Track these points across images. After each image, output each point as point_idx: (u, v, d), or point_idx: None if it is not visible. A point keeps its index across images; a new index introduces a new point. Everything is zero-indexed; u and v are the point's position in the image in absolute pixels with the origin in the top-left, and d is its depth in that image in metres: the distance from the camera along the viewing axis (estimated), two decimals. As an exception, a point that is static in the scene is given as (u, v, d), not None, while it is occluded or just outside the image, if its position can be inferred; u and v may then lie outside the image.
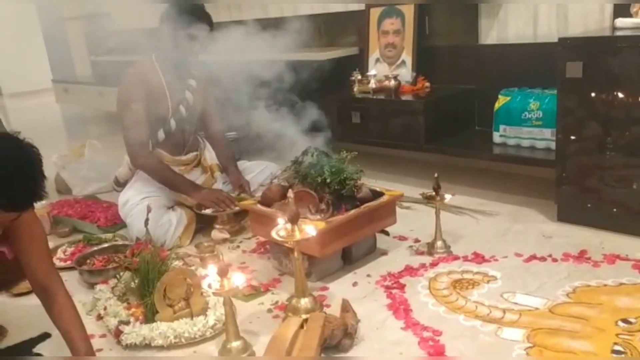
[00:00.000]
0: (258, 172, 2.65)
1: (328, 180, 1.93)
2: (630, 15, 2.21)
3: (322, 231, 1.81)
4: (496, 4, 2.80)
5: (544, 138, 2.48)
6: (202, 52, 2.46)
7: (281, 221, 1.70)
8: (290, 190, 1.78)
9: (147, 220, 1.86)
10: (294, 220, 1.64)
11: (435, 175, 2.10)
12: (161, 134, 2.46)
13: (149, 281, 1.66)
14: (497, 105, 2.62)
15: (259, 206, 2.05)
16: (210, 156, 2.64)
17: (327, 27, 3.65)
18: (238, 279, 1.48)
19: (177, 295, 1.69)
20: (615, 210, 2.11)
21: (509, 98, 2.58)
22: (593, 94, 2.04)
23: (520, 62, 2.75)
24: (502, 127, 2.62)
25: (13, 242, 1.52)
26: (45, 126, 6.22)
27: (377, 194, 2.07)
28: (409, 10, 3.10)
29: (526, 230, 2.25)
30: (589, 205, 2.18)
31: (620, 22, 2.19)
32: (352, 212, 1.92)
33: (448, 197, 2.07)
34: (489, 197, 2.65)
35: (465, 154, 2.72)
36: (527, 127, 2.52)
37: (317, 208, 1.92)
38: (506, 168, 2.83)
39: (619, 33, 2.16)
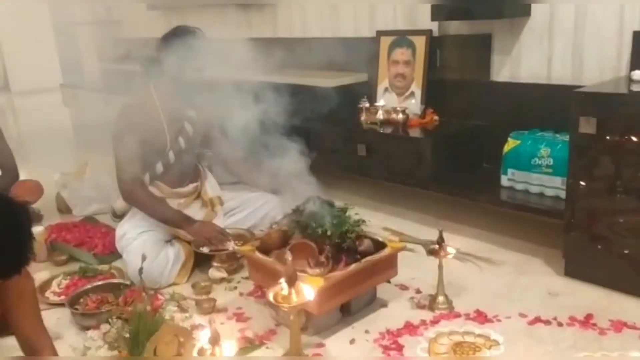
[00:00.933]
0: (258, 206, 2.61)
1: (329, 233, 1.88)
2: (647, 68, 2.14)
3: (320, 289, 1.76)
4: (509, 42, 2.74)
5: (553, 186, 2.41)
6: (202, 79, 2.41)
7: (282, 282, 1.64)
8: (288, 251, 1.73)
9: (141, 269, 1.81)
10: (291, 282, 1.58)
11: (440, 229, 2.03)
12: (159, 167, 2.42)
13: (140, 342, 1.61)
14: (506, 148, 2.56)
15: (257, 254, 2.00)
16: (211, 189, 2.59)
17: (337, 52, 3.58)
18: (229, 349, 1.43)
19: (168, 353, 1.64)
20: (624, 270, 2.04)
21: (519, 142, 2.52)
22: (606, 150, 1.98)
23: (533, 102, 2.68)
24: (510, 171, 2.55)
25: (0, 298, 1.47)
26: (52, 128, 6.20)
27: (378, 245, 2.02)
28: (420, 42, 3.03)
29: (532, 285, 2.19)
30: (597, 262, 2.11)
31: (637, 75, 2.12)
32: (352, 267, 1.87)
33: (452, 252, 2.01)
34: (496, 241, 2.58)
35: (471, 197, 2.65)
36: (536, 173, 2.46)
37: (317, 261, 1.86)
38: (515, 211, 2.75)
39: (634, 87, 2.10)
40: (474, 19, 2.70)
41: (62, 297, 2.24)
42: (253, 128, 2.50)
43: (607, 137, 1.95)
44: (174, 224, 2.37)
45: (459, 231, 2.72)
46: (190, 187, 2.54)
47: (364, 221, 2.04)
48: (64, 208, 3.28)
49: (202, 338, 1.48)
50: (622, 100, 1.93)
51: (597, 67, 2.48)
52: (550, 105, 2.57)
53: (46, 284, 2.35)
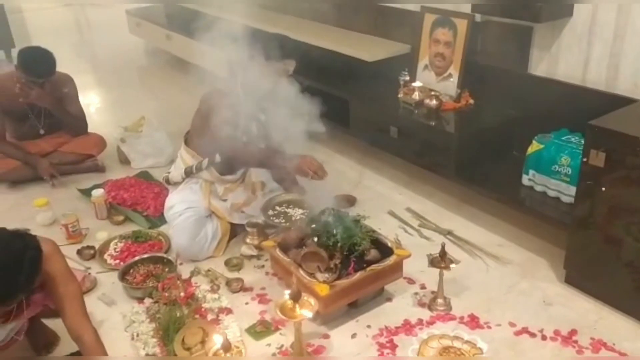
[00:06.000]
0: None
1: (339, 244, 2.11)
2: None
3: (327, 294, 2.02)
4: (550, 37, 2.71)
5: (569, 194, 2.49)
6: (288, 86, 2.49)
7: (286, 292, 1.91)
8: (294, 279, 1.96)
9: (175, 267, 2.11)
10: (295, 299, 1.85)
11: (442, 243, 2.21)
12: (218, 157, 2.62)
13: (170, 335, 1.96)
14: (530, 150, 2.63)
15: (278, 250, 2.26)
16: (255, 174, 2.79)
17: (383, 19, 3.60)
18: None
19: (194, 341, 1.98)
20: (617, 288, 2.17)
21: (542, 146, 2.58)
22: (612, 183, 2.05)
23: (566, 101, 2.70)
24: (531, 171, 2.64)
25: (52, 298, 1.81)
26: (123, 45, 6.54)
27: (386, 250, 2.23)
28: (462, 25, 3.02)
29: (530, 291, 2.36)
30: (594, 276, 2.25)
31: (661, 104, 2.12)
32: (357, 275, 2.10)
33: (452, 266, 2.19)
34: (510, 234, 2.73)
35: (491, 193, 2.76)
36: (555, 179, 2.54)
37: (327, 267, 2.11)
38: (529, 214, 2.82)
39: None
40: (512, 18, 2.67)
41: (117, 261, 2.62)
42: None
43: (614, 174, 2.02)
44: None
45: (478, 219, 2.88)
46: (238, 174, 2.74)
47: (374, 231, 2.24)
48: (123, 159, 3.64)
49: (217, 342, 1.79)
50: (632, 142, 1.96)
51: (631, 79, 2.45)
52: (581, 107, 2.56)
53: (105, 246, 2.73)
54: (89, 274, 2.51)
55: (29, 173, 3.31)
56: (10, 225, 1.71)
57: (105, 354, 1.84)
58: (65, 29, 8.38)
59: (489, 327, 2.17)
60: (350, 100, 3.38)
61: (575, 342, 2.08)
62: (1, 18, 5.82)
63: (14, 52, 3.40)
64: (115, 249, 2.71)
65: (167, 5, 5.88)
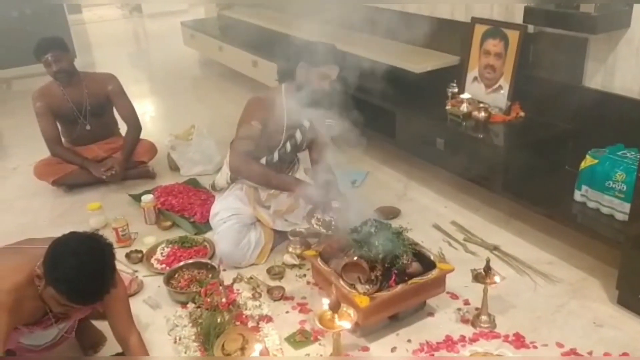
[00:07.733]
0: None
1: (381, 256, 2.09)
2: None
3: (367, 306, 2.00)
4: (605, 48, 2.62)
5: (624, 212, 2.39)
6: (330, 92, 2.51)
7: (325, 301, 1.91)
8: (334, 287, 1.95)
9: (218, 272, 2.15)
10: (334, 309, 1.84)
11: (487, 258, 2.16)
12: (262, 162, 2.63)
13: (210, 339, 1.98)
14: (583, 165, 2.54)
15: (319, 260, 2.26)
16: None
17: (432, 31, 3.57)
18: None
19: (234, 347, 2.00)
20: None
21: (596, 161, 2.48)
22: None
23: (622, 116, 2.59)
24: (584, 187, 2.55)
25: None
26: (178, 56, 6.74)
27: (429, 264, 2.19)
28: (513, 36, 2.96)
29: (580, 312, 2.26)
30: (650, 299, 2.15)
31: None
32: (398, 288, 2.08)
33: (497, 280, 2.14)
34: (561, 252, 2.63)
35: (541, 210, 2.67)
36: (609, 195, 2.44)
37: (367, 278, 2.09)
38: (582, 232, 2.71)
39: None
40: (566, 29, 2.60)
41: (163, 265, 2.68)
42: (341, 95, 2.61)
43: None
44: (287, 187, 2.59)
45: (527, 235, 2.79)
46: None
47: (417, 244, 2.21)
48: (173, 166, 3.73)
49: (256, 349, 1.80)
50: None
51: (694, 92, 2.34)
52: (638, 122, 2.48)
53: (152, 250, 2.80)
54: (137, 277, 2.57)
55: (85, 177, 3.44)
56: (66, 227, 1.77)
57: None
58: (125, 39, 8.72)
59: (535, 347, 2.10)
60: (396, 112, 3.36)
61: (627, 366, 1.99)
62: (64, 29, 6.10)
63: (77, 63, 3.51)
64: (162, 253, 2.77)
65: (220, 18, 6.02)
